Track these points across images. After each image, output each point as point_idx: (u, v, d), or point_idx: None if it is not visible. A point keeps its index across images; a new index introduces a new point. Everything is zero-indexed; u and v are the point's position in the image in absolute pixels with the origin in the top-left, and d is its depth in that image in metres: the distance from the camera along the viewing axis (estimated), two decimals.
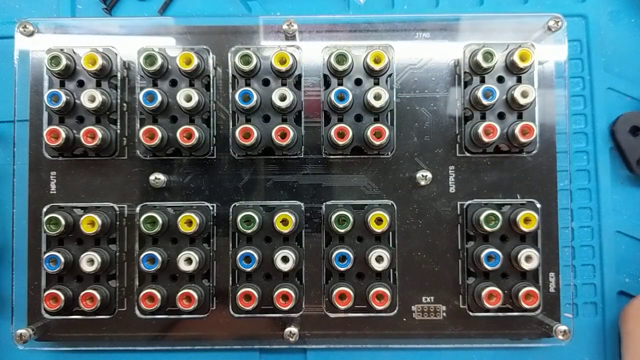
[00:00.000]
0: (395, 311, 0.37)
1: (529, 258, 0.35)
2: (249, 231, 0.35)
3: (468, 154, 0.37)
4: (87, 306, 0.35)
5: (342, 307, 0.35)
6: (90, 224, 0.35)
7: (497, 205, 0.37)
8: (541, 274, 0.37)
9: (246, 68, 0.35)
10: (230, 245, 0.37)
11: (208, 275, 0.37)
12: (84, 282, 0.36)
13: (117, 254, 0.37)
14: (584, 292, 0.39)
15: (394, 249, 0.37)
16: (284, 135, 0.35)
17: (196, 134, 0.35)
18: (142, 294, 0.35)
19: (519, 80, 0.37)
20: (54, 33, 0.37)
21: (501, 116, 0.37)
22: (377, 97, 0.35)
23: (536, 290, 0.35)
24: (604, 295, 0.39)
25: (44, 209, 0.37)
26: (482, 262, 0.35)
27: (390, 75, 0.37)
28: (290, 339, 0.36)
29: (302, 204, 0.37)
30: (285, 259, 0.35)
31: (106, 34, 0.38)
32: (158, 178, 0.36)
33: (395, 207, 0.37)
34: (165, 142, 0.36)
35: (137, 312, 0.37)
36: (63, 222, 0.35)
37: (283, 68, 0.35)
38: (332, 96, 0.35)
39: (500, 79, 0.37)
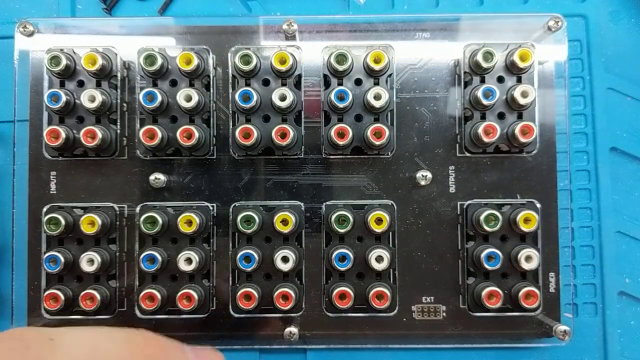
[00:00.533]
0: (395, 311, 0.37)
1: (529, 258, 0.35)
2: (249, 231, 0.35)
3: (468, 154, 0.37)
4: (87, 306, 0.35)
5: (342, 307, 0.35)
6: (90, 224, 0.35)
7: (497, 205, 0.37)
8: (541, 274, 0.37)
9: (246, 68, 0.35)
10: (230, 245, 0.37)
11: (208, 275, 0.37)
12: (84, 282, 0.36)
13: (117, 254, 0.37)
14: (584, 292, 0.39)
15: (394, 249, 0.37)
16: (284, 135, 0.35)
17: (196, 134, 0.35)
18: (142, 294, 0.35)
19: (519, 80, 0.37)
20: (54, 33, 0.37)
21: (501, 116, 0.37)
22: (377, 97, 0.35)
23: (536, 290, 0.35)
24: (604, 295, 0.39)
25: (44, 209, 0.37)
26: (482, 262, 0.35)
27: (390, 75, 0.37)
28: (290, 339, 0.36)
29: (302, 204, 0.37)
30: (285, 259, 0.35)
31: (106, 34, 0.38)
32: (158, 178, 0.36)
33: (395, 207, 0.37)
34: (165, 142, 0.36)
35: (137, 312, 0.37)
36: (63, 222, 0.35)
37: (283, 68, 0.35)
38: (332, 96, 0.35)
39: (500, 79, 0.37)
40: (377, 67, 0.35)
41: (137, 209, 0.37)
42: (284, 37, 0.37)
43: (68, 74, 0.36)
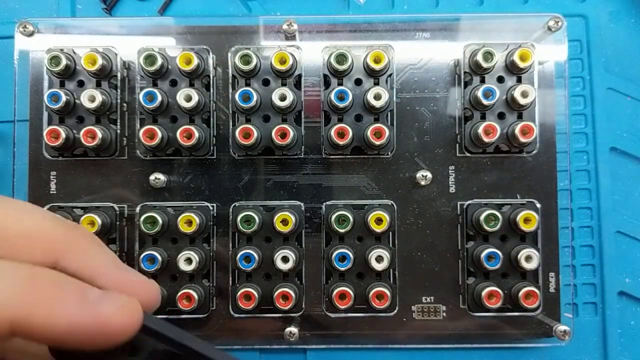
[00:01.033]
0: (395, 311, 0.37)
1: (529, 258, 0.35)
2: (249, 231, 0.35)
3: (468, 154, 0.37)
4: None
5: (342, 307, 0.35)
6: (90, 224, 0.35)
7: (497, 205, 0.37)
8: (541, 274, 0.37)
9: (246, 68, 0.35)
10: (230, 245, 0.37)
11: (208, 275, 0.37)
12: None
13: (117, 254, 0.37)
14: (584, 292, 0.39)
15: (394, 249, 0.37)
16: (284, 135, 0.35)
17: (196, 134, 0.35)
18: None
19: (519, 80, 0.37)
20: (54, 33, 0.37)
21: (501, 116, 0.37)
22: (377, 97, 0.35)
23: (536, 290, 0.35)
24: (604, 295, 0.39)
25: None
26: (482, 262, 0.35)
27: (390, 75, 0.37)
28: (290, 339, 0.36)
29: (302, 204, 0.37)
30: (285, 259, 0.35)
31: (106, 34, 0.38)
32: (158, 178, 0.36)
33: (395, 207, 0.37)
34: (165, 142, 0.36)
35: None
36: None
37: (283, 68, 0.35)
38: (332, 96, 0.35)
39: (500, 79, 0.37)
40: (377, 67, 0.35)
41: (137, 209, 0.37)
42: (284, 37, 0.37)
43: (68, 74, 0.36)
